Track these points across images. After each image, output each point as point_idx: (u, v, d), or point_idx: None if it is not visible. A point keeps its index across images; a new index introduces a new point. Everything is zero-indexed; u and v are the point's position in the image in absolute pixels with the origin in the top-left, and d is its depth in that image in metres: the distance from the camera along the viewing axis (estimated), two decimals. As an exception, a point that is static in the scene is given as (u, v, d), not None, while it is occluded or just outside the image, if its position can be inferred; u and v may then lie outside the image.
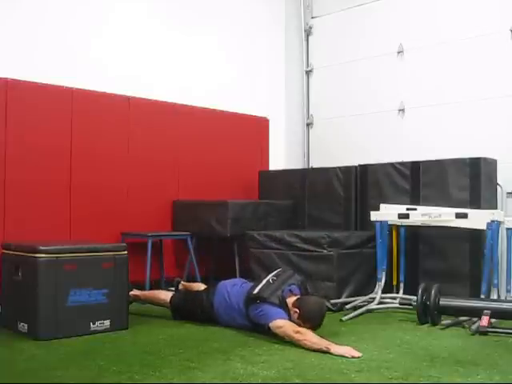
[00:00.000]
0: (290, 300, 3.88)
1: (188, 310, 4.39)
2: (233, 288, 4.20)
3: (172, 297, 4.54)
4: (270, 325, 3.73)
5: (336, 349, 3.42)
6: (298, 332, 3.60)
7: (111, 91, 5.55)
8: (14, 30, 5.07)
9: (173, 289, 4.96)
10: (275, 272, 4.20)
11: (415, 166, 5.47)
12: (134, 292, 4.67)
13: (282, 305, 3.82)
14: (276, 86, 7.41)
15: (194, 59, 6.49)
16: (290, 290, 3.97)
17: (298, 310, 3.80)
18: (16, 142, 4.91)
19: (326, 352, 3.40)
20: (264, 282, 4.02)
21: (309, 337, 3.56)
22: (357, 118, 6.86)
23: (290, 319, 3.78)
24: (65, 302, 3.85)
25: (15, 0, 5.15)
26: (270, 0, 7.40)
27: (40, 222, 4.97)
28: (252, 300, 3.92)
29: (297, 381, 2.93)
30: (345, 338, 3.85)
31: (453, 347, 3.64)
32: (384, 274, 5.10)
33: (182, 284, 5.00)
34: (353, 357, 3.34)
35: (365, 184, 5.84)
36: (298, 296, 3.95)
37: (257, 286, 4.00)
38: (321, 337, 3.57)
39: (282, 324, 3.70)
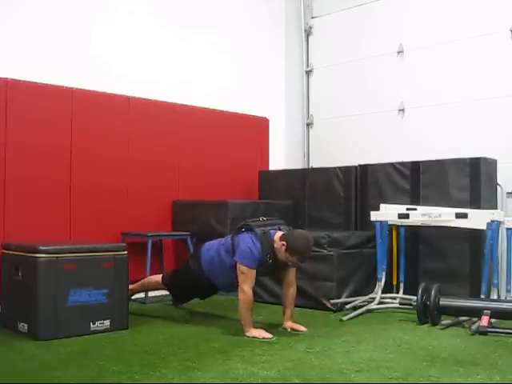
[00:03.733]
0: (277, 235, 3.95)
1: (180, 279, 4.42)
2: (219, 241, 4.26)
3: (163, 275, 4.58)
4: (237, 262, 3.93)
5: (250, 332, 3.84)
6: (243, 291, 3.85)
7: (111, 91, 5.55)
8: (14, 30, 5.07)
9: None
10: (269, 217, 4.33)
11: (415, 166, 5.47)
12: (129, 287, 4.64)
13: (262, 239, 3.91)
14: (276, 86, 7.40)
15: (194, 59, 6.49)
16: (279, 228, 4.05)
17: (285, 243, 3.86)
18: (16, 142, 4.91)
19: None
20: (255, 218, 4.19)
21: (244, 306, 3.86)
22: (357, 118, 6.86)
23: (268, 259, 3.87)
24: (65, 301, 3.85)
25: (15, 0, 5.15)
26: (269, 0, 7.40)
27: (40, 222, 4.97)
28: (239, 229, 4.07)
29: (297, 381, 2.93)
30: (345, 337, 3.85)
31: (453, 347, 3.65)
32: (384, 273, 5.10)
33: (178, 265, 4.99)
34: (264, 338, 3.75)
35: (365, 184, 5.84)
36: (286, 231, 4.01)
37: None
38: (320, 334, 3.57)
39: (244, 271, 3.89)
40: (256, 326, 3.93)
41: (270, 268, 3.97)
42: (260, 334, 3.83)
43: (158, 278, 4.60)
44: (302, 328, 4.05)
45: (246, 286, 3.86)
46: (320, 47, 7.40)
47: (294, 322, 4.12)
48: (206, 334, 3.97)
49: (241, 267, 3.90)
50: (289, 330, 4.04)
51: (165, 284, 4.52)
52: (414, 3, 6.47)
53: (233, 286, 4.09)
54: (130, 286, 4.64)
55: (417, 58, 6.40)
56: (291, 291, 4.15)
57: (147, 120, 5.83)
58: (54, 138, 5.16)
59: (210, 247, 4.28)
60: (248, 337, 3.82)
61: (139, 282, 4.78)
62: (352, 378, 2.98)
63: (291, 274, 4.15)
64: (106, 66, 5.65)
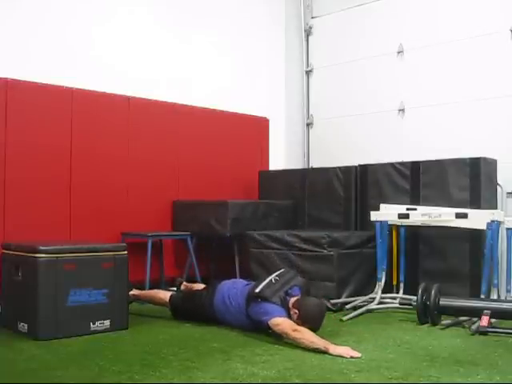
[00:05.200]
0: (291, 301, 3.89)
1: (187, 309, 4.39)
2: (233, 289, 4.20)
3: (171, 296, 4.55)
4: (269, 322, 3.74)
5: (335, 349, 3.43)
6: (295, 330, 3.61)
7: (111, 91, 5.56)
8: (14, 30, 5.07)
9: (174, 289, 4.97)
10: (278, 272, 4.19)
11: (415, 166, 5.47)
12: (134, 292, 4.68)
13: (284, 305, 3.84)
14: (276, 86, 7.40)
15: (194, 59, 6.49)
16: (291, 292, 3.98)
17: (297, 311, 3.81)
18: (16, 142, 4.91)
19: (325, 352, 3.41)
20: (267, 281, 4.02)
21: (307, 336, 3.56)
22: (357, 118, 6.86)
23: (290, 319, 3.79)
24: (65, 301, 3.85)
25: (15, 0, 5.15)
26: (269, 0, 7.40)
27: (40, 221, 4.97)
28: (253, 298, 3.93)
29: (297, 381, 2.93)
30: (345, 337, 3.86)
31: (453, 347, 3.65)
32: (384, 274, 5.10)
33: (184, 284, 5.01)
34: (352, 357, 3.34)
35: (365, 184, 5.84)
36: (298, 297, 3.95)
37: (259, 284, 3.99)
38: (321, 337, 3.57)
39: (280, 321, 3.70)
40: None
41: None
42: (348, 352, 3.40)
43: (166, 296, 4.55)
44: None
45: (294, 326, 3.65)
46: (320, 47, 7.40)
47: None
48: (206, 334, 3.97)
49: (275, 321, 3.72)
50: None
51: (171, 305, 4.49)
52: (414, 3, 6.47)
53: (244, 327, 4.06)
54: (136, 292, 4.66)
55: (417, 58, 6.40)
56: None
57: (147, 120, 5.83)
58: (54, 137, 5.16)
59: (226, 289, 4.21)
60: (332, 355, 3.40)
61: (145, 292, 4.79)
62: (352, 377, 2.98)
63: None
64: (106, 66, 5.65)
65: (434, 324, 4.29)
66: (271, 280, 4.03)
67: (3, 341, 3.77)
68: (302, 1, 7.49)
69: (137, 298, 4.72)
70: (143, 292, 4.80)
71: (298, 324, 3.74)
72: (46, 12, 5.30)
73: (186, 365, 3.18)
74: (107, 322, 4.02)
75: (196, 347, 3.59)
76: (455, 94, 6.04)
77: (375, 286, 5.06)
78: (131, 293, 4.59)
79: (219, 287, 4.27)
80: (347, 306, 4.91)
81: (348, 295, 5.08)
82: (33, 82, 5.02)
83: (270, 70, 7.33)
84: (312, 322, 3.78)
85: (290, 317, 3.80)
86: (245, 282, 4.39)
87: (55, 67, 5.24)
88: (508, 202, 5.56)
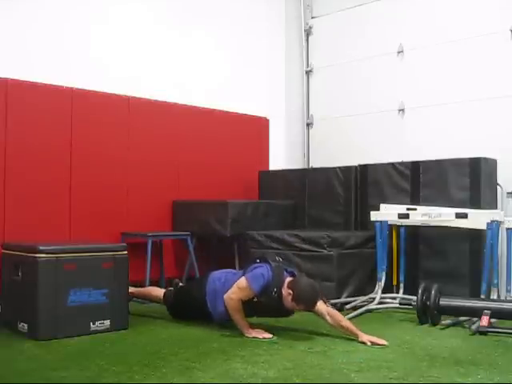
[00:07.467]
0: (287, 279, 3.92)
1: (181, 303, 4.41)
2: (225, 273, 4.26)
3: (165, 293, 4.57)
4: (242, 278, 3.92)
5: (250, 333, 3.85)
6: (230, 299, 3.89)
7: (111, 91, 5.56)
8: (14, 30, 5.07)
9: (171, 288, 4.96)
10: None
11: (415, 166, 5.47)
12: (130, 289, 4.65)
13: (275, 271, 3.89)
14: (276, 86, 7.41)
15: (194, 59, 6.49)
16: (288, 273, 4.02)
17: (291, 292, 3.83)
18: (16, 142, 4.91)
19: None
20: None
21: (234, 311, 3.89)
22: (357, 118, 6.86)
23: (273, 292, 3.82)
24: (65, 301, 3.85)
25: (15, 0, 5.15)
26: (269, 0, 7.41)
27: (40, 221, 4.97)
28: (253, 261, 4.06)
29: (297, 381, 2.93)
30: (345, 337, 3.85)
31: (453, 347, 3.65)
32: (384, 273, 5.10)
33: (181, 286, 5.00)
34: (264, 338, 3.78)
35: (365, 184, 5.84)
36: (293, 278, 3.96)
37: None
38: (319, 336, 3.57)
39: (242, 286, 3.89)
40: (254, 326, 3.93)
41: (273, 301, 3.85)
42: (260, 334, 3.85)
43: (160, 293, 4.59)
44: (383, 342, 3.71)
45: (235, 296, 3.87)
46: (320, 47, 7.40)
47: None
48: (205, 334, 3.97)
49: (242, 283, 3.87)
50: (369, 344, 3.68)
51: (165, 302, 4.51)
52: (414, 3, 6.46)
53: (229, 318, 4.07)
54: (131, 289, 4.65)
55: (417, 58, 6.40)
56: (333, 314, 3.94)
57: (147, 120, 5.83)
58: (54, 138, 5.16)
59: (217, 278, 4.22)
60: (248, 337, 3.81)
61: (141, 289, 4.79)
62: (352, 377, 2.98)
63: (321, 306, 3.95)
64: (105, 66, 5.65)
65: (434, 324, 4.29)
66: (277, 258, 4.19)
67: (3, 341, 3.77)
68: (302, 1, 7.49)
69: (133, 296, 4.71)
70: (138, 289, 4.78)
71: (292, 306, 3.83)
72: (45, 12, 5.30)
73: (185, 365, 3.19)
74: (107, 322, 4.02)
75: (196, 347, 3.59)
76: (455, 93, 6.04)
77: (375, 286, 5.06)
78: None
79: (211, 276, 4.29)
80: (347, 306, 4.90)
81: (348, 295, 5.08)
82: (33, 82, 5.02)
83: (270, 70, 7.34)
84: (305, 303, 3.83)
85: (276, 289, 3.82)
86: (234, 270, 4.46)
87: (55, 67, 5.25)
88: (508, 202, 5.55)
